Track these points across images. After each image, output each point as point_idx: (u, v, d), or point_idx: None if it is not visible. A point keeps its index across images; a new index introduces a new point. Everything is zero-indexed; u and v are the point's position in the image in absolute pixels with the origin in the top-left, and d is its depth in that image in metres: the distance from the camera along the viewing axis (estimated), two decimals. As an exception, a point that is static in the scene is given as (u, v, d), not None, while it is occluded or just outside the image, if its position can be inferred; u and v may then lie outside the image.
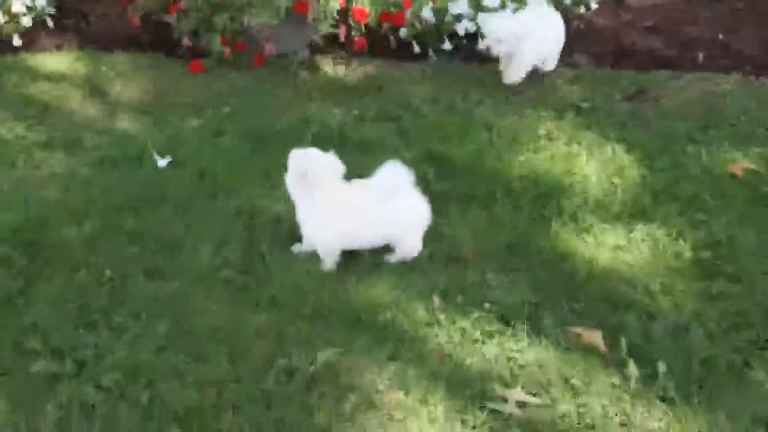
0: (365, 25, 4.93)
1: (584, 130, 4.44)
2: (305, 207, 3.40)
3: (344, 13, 4.84)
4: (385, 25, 4.98)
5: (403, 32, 5.28)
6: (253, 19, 4.59)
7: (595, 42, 5.39)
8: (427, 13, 5.28)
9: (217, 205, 3.79)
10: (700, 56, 5.26)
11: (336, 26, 4.84)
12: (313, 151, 3.38)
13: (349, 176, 3.38)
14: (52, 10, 5.25)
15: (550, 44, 4.88)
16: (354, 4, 4.78)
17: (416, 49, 5.23)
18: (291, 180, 3.36)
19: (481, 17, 4.97)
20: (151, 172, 4.02)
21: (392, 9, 4.86)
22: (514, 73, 4.78)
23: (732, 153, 4.19)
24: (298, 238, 3.50)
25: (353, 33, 4.90)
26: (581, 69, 5.10)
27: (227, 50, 4.77)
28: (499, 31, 4.64)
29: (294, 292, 3.31)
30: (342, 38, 4.89)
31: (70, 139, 4.26)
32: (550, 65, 4.94)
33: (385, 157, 3.43)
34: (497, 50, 4.70)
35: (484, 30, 4.74)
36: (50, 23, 5.24)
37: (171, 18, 4.85)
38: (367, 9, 4.73)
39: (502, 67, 4.84)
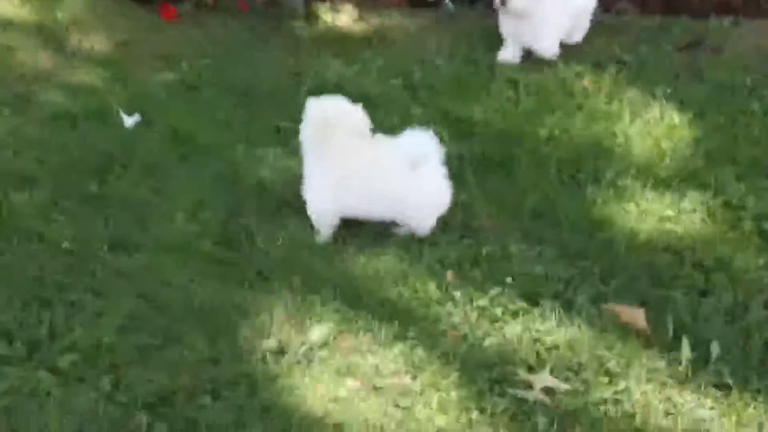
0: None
1: (628, 86, 4.53)
2: (316, 165, 3.51)
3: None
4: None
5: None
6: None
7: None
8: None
9: (193, 169, 3.90)
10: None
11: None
12: (339, 101, 3.48)
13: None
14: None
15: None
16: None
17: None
18: (306, 132, 3.46)
19: None
20: (116, 132, 4.13)
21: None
22: (541, 43, 4.76)
23: (803, 111, 4.29)
24: (295, 206, 3.60)
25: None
26: (625, 16, 5.19)
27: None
28: None
29: (283, 266, 3.41)
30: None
31: (18, 95, 4.37)
32: (578, 35, 4.98)
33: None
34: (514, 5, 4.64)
35: None
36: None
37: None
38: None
39: (511, 36, 4.81)
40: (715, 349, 3.10)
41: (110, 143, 4.04)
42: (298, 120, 3.51)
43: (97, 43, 4.83)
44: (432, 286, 3.36)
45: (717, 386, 3.02)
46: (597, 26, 5.08)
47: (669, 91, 4.47)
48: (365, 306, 3.27)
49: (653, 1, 5.37)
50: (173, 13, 5.00)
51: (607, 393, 3.00)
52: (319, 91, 4.36)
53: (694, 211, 3.74)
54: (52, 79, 4.53)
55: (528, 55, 4.81)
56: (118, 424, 2.84)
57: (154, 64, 4.63)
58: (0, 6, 5.14)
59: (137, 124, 4.14)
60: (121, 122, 4.14)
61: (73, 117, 4.22)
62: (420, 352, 3.12)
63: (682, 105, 4.37)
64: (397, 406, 2.95)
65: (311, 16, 5.03)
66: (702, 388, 3.01)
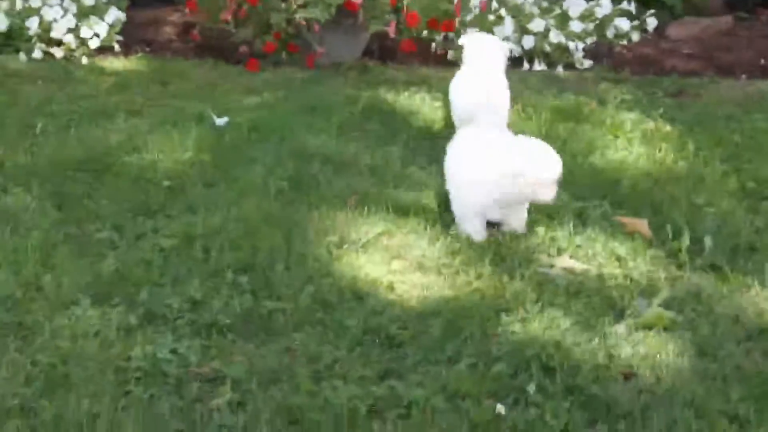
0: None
1: (626, 111, 4.75)
2: None
3: (395, 12, 5.34)
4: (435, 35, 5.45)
5: (450, 55, 5.75)
6: (305, 16, 5.09)
7: (638, 66, 5.80)
8: (472, 35, 5.75)
9: (270, 145, 4.14)
10: (743, 77, 5.63)
11: (387, 24, 5.33)
12: None
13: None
14: (119, 37, 5.83)
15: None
16: (404, 8, 5.29)
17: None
18: None
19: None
20: (209, 129, 4.39)
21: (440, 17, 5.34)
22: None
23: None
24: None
25: (402, 35, 5.38)
26: (624, 74, 5.48)
27: (280, 50, 5.26)
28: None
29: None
30: (392, 34, 5.35)
31: (132, 111, 4.68)
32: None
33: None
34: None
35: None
36: (117, 48, 5.81)
37: (229, 24, 5.37)
38: (417, 13, 5.24)
39: None
40: (708, 242, 3.19)
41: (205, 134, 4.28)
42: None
43: (194, 85, 5.15)
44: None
45: (713, 268, 3.09)
46: (600, 78, 5.36)
47: (661, 111, 4.66)
48: (411, 214, 3.41)
49: (646, 74, 5.65)
50: (257, 65, 5.35)
51: (618, 271, 3.08)
52: (372, 106, 4.69)
53: (688, 177, 3.87)
54: (157, 102, 4.83)
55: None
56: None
57: (239, 95, 4.92)
58: (124, 62, 5.54)
59: (226, 125, 4.38)
60: (212, 122, 4.39)
61: (174, 121, 4.46)
62: (458, 244, 3.23)
63: (672, 121, 4.56)
64: (440, 274, 3.05)
65: (364, 68, 5.36)
66: (699, 268, 3.09)
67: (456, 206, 3.29)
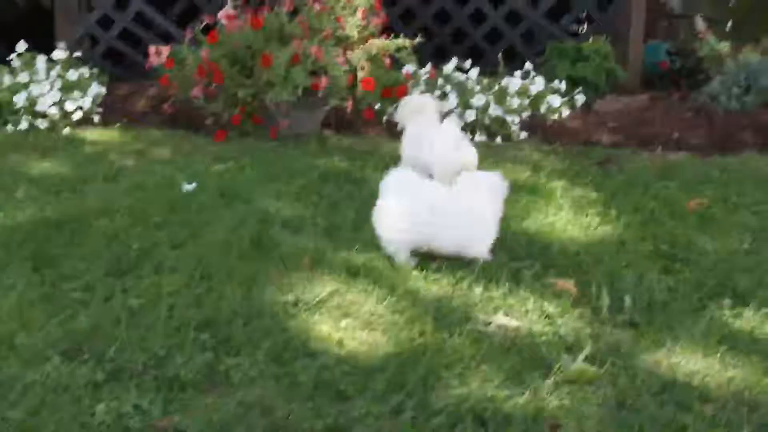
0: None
1: (557, 179, 4.82)
2: None
3: (351, 89, 5.40)
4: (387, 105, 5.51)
5: (400, 126, 5.80)
6: (273, 99, 5.12)
7: (568, 138, 5.90)
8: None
9: (234, 209, 4.13)
10: (659, 148, 5.77)
11: (344, 99, 5.38)
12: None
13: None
14: (99, 109, 5.81)
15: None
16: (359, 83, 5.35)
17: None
18: None
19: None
20: (179, 193, 4.37)
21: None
22: None
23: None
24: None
25: (360, 107, 5.44)
26: (556, 145, 5.58)
27: (245, 122, 5.28)
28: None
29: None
30: (349, 109, 5.40)
31: (109, 177, 4.64)
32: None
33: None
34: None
35: None
36: (96, 119, 5.78)
37: (198, 99, 5.38)
38: (373, 80, 5.30)
39: None
40: (627, 300, 3.23)
41: (174, 198, 4.26)
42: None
43: (166, 151, 5.15)
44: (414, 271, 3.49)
45: (631, 324, 3.12)
46: (531, 150, 5.45)
47: (588, 179, 4.74)
48: (362, 276, 3.41)
49: (575, 146, 5.75)
50: (224, 135, 5.36)
51: (547, 328, 3.09)
52: (330, 172, 4.71)
53: (611, 242, 3.91)
54: (132, 167, 4.80)
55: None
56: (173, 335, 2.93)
57: (207, 161, 4.91)
58: (101, 132, 5.51)
59: (194, 189, 4.37)
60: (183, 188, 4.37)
61: (145, 186, 4.44)
62: (404, 303, 3.22)
63: (599, 189, 4.63)
64: (387, 331, 3.04)
65: (323, 139, 5.39)
66: (619, 324, 3.12)
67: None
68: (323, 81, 5.22)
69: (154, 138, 5.38)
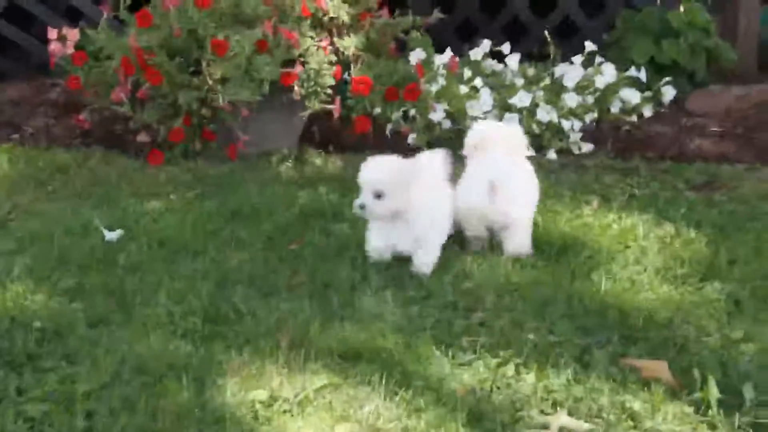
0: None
1: (639, 211, 4.85)
2: None
3: (344, 88, 5.46)
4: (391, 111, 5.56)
5: (412, 139, 5.88)
6: (230, 99, 5.16)
7: (651, 147, 5.94)
8: (439, 115, 5.90)
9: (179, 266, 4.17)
10: (788, 161, 5.79)
11: (330, 102, 5.43)
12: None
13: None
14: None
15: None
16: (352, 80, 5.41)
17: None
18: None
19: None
20: (98, 243, 4.40)
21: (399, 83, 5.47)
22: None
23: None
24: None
25: (353, 113, 5.49)
26: (634, 161, 5.61)
27: (191, 138, 5.32)
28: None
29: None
30: (336, 114, 5.45)
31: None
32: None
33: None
34: None
35: None
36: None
37: (124, 105, 5.42)
38: (370, 78, 5.35)
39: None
40: (748, 391, 3.22)
41: (92, 251, 4.30)
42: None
43: (79, 185, 5.19)
44: (437, 351, 3.51)
45: (754, 427, 3.12)
46: (601, 168, 5.49)
47: (683, 211, 4.77)
48: (364, 360, 3.42)
49: (663, 160, 5.78)
50: (161, 158, 5.41)
51: (633, 433, 3.09)
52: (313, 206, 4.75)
53: (720, 301, 3.93)
54: (27, 209, 4.84)
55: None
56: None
57: (138, 198, 4.95)
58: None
59: (120, 239, 4.40)
60: (101, 236, 4.40)
61: (50, 236, 4.48)
62: (424, 400, 3.23)
63: (698, 225, 4.65)
64: (400, 442, 3.04)
65: (301, 160, 5.43)
66: (738, 429, 3.11)
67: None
68: (297, 68, 5.26)
69: (60, 162, 5.43)
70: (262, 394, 3.26)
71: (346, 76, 5.61)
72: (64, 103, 6.19)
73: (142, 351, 3.47)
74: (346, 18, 5.63)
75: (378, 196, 4.03)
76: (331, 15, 5.57)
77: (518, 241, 4.32)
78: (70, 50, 5.62)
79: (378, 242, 4.17)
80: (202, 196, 4.91)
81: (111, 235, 4.43)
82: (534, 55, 6.55)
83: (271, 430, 3.10)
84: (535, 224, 4.47)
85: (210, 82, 5.28)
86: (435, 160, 4.24)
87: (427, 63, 5.95)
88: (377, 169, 4.07)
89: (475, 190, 4.26)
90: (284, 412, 3.18)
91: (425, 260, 4.15)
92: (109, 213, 4.67)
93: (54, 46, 5.68)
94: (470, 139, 4.46)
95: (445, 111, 5.89)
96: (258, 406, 3.21)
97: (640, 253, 4.35)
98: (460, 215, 4.37)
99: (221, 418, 3.13)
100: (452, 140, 5.63)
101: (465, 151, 4.48)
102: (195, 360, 3.43)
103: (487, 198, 4.22)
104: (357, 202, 4.06)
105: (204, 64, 5.28)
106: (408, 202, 4.08)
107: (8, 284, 3.98)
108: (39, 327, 3.65)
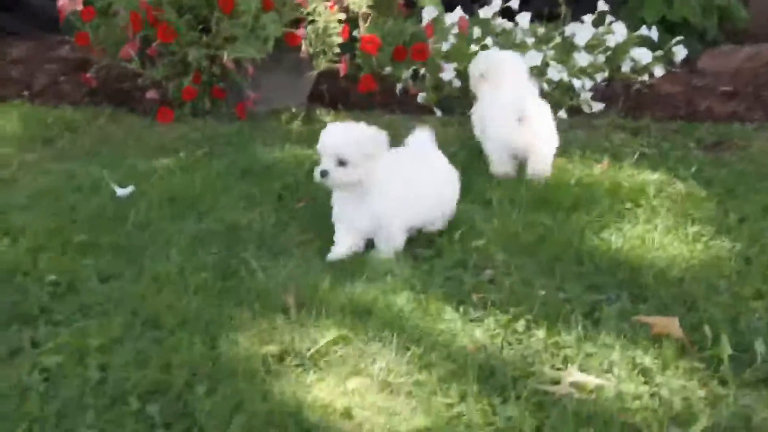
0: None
1: (649, 170, 4.85)
2: None
3: (349, 43, 5.46)
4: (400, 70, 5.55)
5: (421, 98, 5.87)
6: (236, 56, 5.16)
7: (662, 110, 5.94)
8: (448, 75, 5.90)
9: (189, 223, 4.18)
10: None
11: (337, 61, 5.43)
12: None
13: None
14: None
15: None
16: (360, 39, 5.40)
17: (438, 113, 5.80)
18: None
19: None
20: (108, 201, 4.42)
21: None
22: None
23: None
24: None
25: (360, 72, 5.48)
26: (645, 120, 5.60)
27: (201, 96, 5.32)
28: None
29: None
30: (343, 73, 5.45)
31: (2, 180, 4.70)
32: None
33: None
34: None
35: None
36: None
37: (132, 62, 5.42)
38: (378, 38, 5.34)
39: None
40: (760, 347, 3.23)
41: (101, 207, 4.31)
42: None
43: (88, 142, 5.20)
44: (448, 307, 3.52)
45: (766, 382, 3.12)
46: (612, 126, 5.48)
47: (693, 170, 4.77)
48: (374, 317, 3.44)
49: (673, 120, 5.76)
50: (170, 115, 5.41)
51: (642, 388, 3.10)
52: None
53: (730, 259, 3.94)
54: (37, 168, 4.85)
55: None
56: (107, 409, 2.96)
57: (148, 155, 4.96)
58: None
59: (131, 195, 4.41)
60: (112, 193, 4.41)
61: (57, 191, 4.49)
62: (435, 355, 3.25)
63: (709, 184, 4.65)
64: (412, 395, 3.06)
65: (311, 119, 5.43)
66: (748, 383, 3.12)
67: None
68: (301, 32, 5.25)
69: (69, 120, 5.44)
70: (274, 349, 3.26)
71: (355, 33, 5.59)
72: (73, 61, 6.17)
73: (153, 305, 3.48)
74: (354, -26, 5.61)
75: (341, 163, 3.82)
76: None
77: (542, 165, 4.61)
78: (79, 6, 5.59)
79: (341, 248, 3.98)
80: (211, 155, 4.91)
81: (122, 191, 4.43)
82: (544, 14, 6.52)
83: (283, 383, 3.10)
84: (546, 182, 4.47)
85: (219, 39, 5.26)
86: (420, 140, 4.19)
87: (436, 21, 5.93)
88: (341, 136, 3.86)
89: (501, 122, 4.50)
90: (296, 366, 3.19)
91: (385, 249, 3.97)
92: (118, 171, 4.65)
93: (63, 2, 5.65)
94: (476, 68, 4.54)
95: (455, 70, 5.88)
96: (270, 360, 3.21)
97: (651, 211, 4.35)
98: (488, 147, 4.67)
99: (234, 372, 3.13)
100: (461, 99, 5.63)
101: (471, 82, 4.55)
102: (207, 315, 3.43)
103: (516, 129, 4.45)
104: (318, 168, 3.86)
105: (214, 21, 5.26)
106: (372, 174, 3.88)
107: (20, 239, 3.98)
108: (51, 281, 3.65)
